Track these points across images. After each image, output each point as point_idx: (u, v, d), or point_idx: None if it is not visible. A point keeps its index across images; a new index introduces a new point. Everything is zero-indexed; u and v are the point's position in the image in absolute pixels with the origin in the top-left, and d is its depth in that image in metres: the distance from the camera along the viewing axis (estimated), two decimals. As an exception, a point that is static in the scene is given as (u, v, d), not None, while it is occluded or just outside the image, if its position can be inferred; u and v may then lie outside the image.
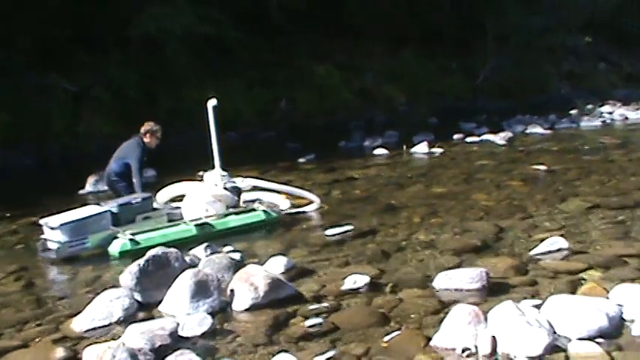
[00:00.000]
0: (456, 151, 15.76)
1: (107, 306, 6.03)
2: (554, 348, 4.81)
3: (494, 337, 4.91)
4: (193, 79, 20.48)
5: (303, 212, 10.02)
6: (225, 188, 9.49)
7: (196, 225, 8.77)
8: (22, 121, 16.91)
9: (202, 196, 9.26)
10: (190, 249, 7.81)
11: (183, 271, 6.34)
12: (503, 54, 28.57)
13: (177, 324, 5.48)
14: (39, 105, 17.53)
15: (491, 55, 28.47)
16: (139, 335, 5.20)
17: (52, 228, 8.18)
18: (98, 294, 6.26)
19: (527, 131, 18.80)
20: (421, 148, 15.86)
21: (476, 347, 4.92)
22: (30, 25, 18.24)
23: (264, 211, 9.38)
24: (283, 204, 10.01)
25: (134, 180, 9.49)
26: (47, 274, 7.68)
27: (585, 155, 14.35)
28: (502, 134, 17.59)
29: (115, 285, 6.50)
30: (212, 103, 9.49)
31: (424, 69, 26.99)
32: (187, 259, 7.11)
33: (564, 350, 4.83)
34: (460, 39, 28.13)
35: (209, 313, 5.79)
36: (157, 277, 6.41)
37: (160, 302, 6.24)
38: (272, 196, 10.12)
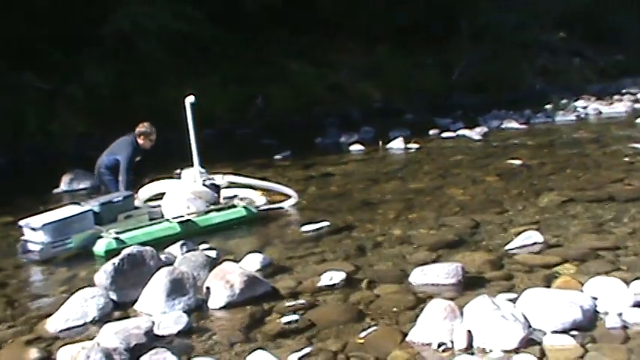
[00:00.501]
0: (432, 147, 15.79)
1: (82, 306, 5.98)
2: (529, 341, 4.84)
3: (469, 331, 4.93)
4: (169, 76, 20.34)
5: (282, 208, 10.01)
6: (204, 185, 9.46)
7: (179, 222, 8.73)
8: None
9: (182, 194, 9.22)
10: (166, 247, 7.78)
11: (158, 269, 6.30)
12: (478, 50, 28.66)
13: (153, 323, 5.46)
14: (12, 104, 17.35)
15: (466, 51, 28.55)
16: (113, 335, 5.17)
17: (33, 229, 8.05)
18: (72, 294, 6.20)
19: (503, 126, 18.87)
20: (397, 144, 15.88)
21: (452, 342, 4.95)
22: (2, 23, 18.05)
23: (245, 207, 9.38)
24: (258, 200, 9.99)
25: (120, 177, 9.48)
26: (20, 274, 7.60)
27: (560, 149, 14.44)
28: (478, 129, 17.64)
29: (90, 284, 6.44)
30: (190, 100, 9.43)
31: (399, 65, 26.98)
32: (163, 257, 7.08)
33: (539, 343, 4.86)
34: (435, 35, 28.15)
35: (185, 312, 5.76)
36: (132, 275, 6.37)
37: (135, 301, 6.20)
38: (248, 193, 10.09)
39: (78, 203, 8.72)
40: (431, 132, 17.77)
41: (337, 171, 13.23)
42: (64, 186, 12.69)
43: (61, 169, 13.09)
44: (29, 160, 16.11)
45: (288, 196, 10.19)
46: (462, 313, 5.15)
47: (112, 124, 17.66)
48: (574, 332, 4.96)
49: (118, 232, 8.21)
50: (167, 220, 8.82)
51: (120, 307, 6.19)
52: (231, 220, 9.19)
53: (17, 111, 17.23)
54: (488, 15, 28.73)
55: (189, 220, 8.83)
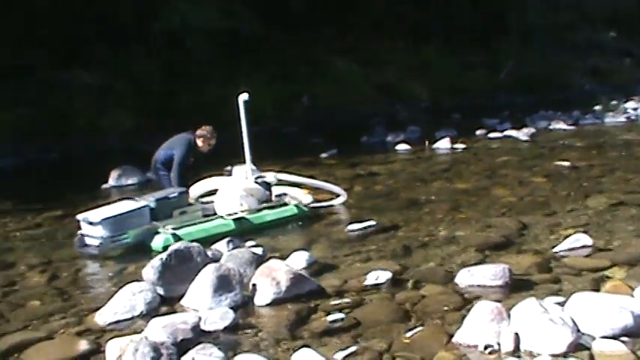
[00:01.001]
0: (479, 147, 15.68)
1: (130, 299, 6.06)
2: (577, 346, 4.77)
3: (517, 334, 4.89)
4: (216, 74, 20.51)
5: (331, 206, 10.02)
6: (256, 182, 9.52)
7: (234, 220, 8.78)
8: (46, 116, 17.01)
9: (235, 191, 9.28)
10: (212, 243, 7.84)
11: (205, 265, 6.36)
12: (526, 49, 28.41)
13: (200, 318, 5.50)
14: (62, 100, 17.63)
15: (515, 51, 28.31)
16: (161, 329, 5.22)
17: (91, 223, 8.11)
18: (121, 287, 6.29)
19: (551, 127, 18.66)
20: (443, 144, 15.80)
21: (498, 344, 4.90)
22: (53, 21, 18.34)
23: (297, 205, 9.43)
24: (305, 198, 10.01)
25: (172, 173, 9.59)
26: (71, 268, 7.71)
27: (610, 151, 14.24)
28: (525, 130, 17.47)
29: (138, 279, 6.53)
30: (243, 97, 9.46)
31: (446, 64, 26.88)
32: (209, 253, 7.13)
33: (588, 348, 4.79)
34: (483, 34, 27.99)
35: (231, 308, 5.80)
36: (179, 271, 6.43)
37: (182, 296, 6.26)
38: (294, 191, 10.12)
39: (132, 198, 8.80)
40: (478, 132, 17.65)
41: (383, 170, 13.21)
42: (112, 181, 12.85)
43: (110, 164, 13.26)
44: (78, 155, 16.33)
45: (337, 195, 10.20)
46: (509, 316, 5.11)
47: (160, 121, 17.96)
48: (624, 338, 4.87)
49: (175, 229, 8.27)
50: (221, 217, 8.87)
51: (167, 302, 6.25)
52: (283, 218, 9.22)
53: (67, 107, 17.52)
54: (538, 14, 28.41)
55: (243, 217, 8.87)
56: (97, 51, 19.04)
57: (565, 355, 4.69)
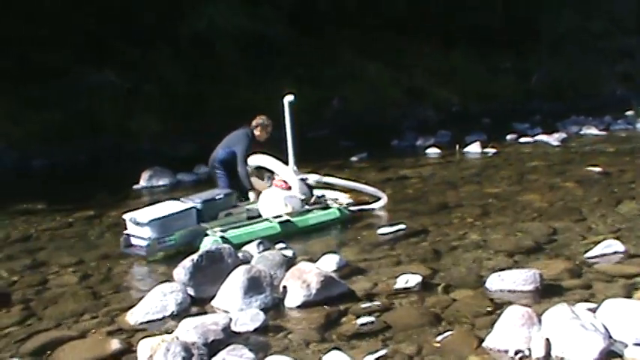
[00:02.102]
0: (509, 152, 15.61)
1: (161, 300, 6.10)
2: (609, 353, 4.72)
3: (548, 339, 4.86)
4: (243, 77, 20.60)
5: (372, 209, 9.99)
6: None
7: (280, 222, 8.76)
8: (75, 117, 17.18)
9: (281, 193, 9.32)
10: (242, 245, 7.87)
11: (236, 267, 6.39)
12: (557, 55, 28.24)
13: (230, 319, 5.53)
14: (91, 101, 17.80)
15: (545, 56, 28.16)
16: (192, 329, 5.26)
17: (139, 224, 8.09)
18: (152, 288, 6.34)
19: (582, 132, 18.54)
20: (474, 148, 15.75)
21: (529, 350, 4.88)
22: (82, 22, 18.52)
23: (339, 208, 9.44)
24: (343, 200, 9.99)
25: (239, 169, 9.63)
26: (102, 267, 7.77)
27: (641, 157, 14.11)
28: (556, 135, 17.38)
29: (169, 279, 6.58)
30: (288, 99, 9.51)
31: (477, 69, 26.80)
32: (240, 255, 7.16)
33: (620, 356, 4.75)
34: (513, 39, 27.86)
35: (261, 309, 5.82)
36: (210, 272, 6.46)
37: (212, 297, 6.30)
38: (333, 193, 10.10)
39: (179, 199, 8.80)
40: (508, 137, 17.58)
41: (413, 174, 13.19)
42: (143, 182, 12.95)
43: (138, 165, 13.36)
44: (107, 157, 16.48)
45: (377, 198, 10.18)
46: (540, 321, 5.08)
47: (187, 123, 18.09)
48: (657, 345, 4.84)
49: (222, 230, 8.27)
50: (267, 219, 8.86)
51: (197, 303, 6.28)
52: (326, 221, 9.22)
53: (96, 109, 17.68)
54: (568, 20, 28.24)
55: (288, 220, 8.86)
56: (126, 53, 19.19)
57: (597, 361, 4.65)
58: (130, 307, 6.16)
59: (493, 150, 15.56)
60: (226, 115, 18.17)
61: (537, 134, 17.72)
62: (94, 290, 6.97)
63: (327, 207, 9.43)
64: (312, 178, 9.82)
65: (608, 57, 30.57)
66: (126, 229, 8.30)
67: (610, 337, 4.89)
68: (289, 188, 9.50)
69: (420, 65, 25.59)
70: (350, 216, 9.51)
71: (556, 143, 16.58)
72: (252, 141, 9.81)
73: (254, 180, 9.90)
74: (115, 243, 8.48)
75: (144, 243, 8.00)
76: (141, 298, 6.19)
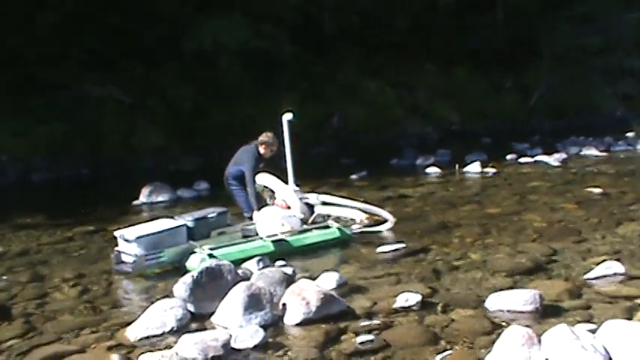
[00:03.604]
0: (509, 172, 15.63)
1: (161, 315, 6.12)
2: (609, 374, 4.74)
3: (548, 360, 4.87)
4: (247, 93, 20.66)
5: (379, 231, 9.86)
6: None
7: (273, 242, 8.72)
8: (78, 131, 17.25)
9: (278, 212, 9.30)
10: (242, 262, 7.88)
11: (235, 283, 6.40)
12: (557, 74, 28.30)
13: (230, 336, 5.54)
14: (94, 116, 17.86)
15: (546, 75, 28.21)
16: (192, 345, 5.27)
17: (127, 241, 8.13)
18: (152, 303, 6.35)
19: (582, 153, 18.54)
20: (474, 168, 15.76)
21: (529, 370, 4.89)
22: (87, 37, 18.61)
23: (339, 228, 9.36)
24: (359, 220, 9.93)
25: (248, 189, 9.63)
26: (102, 282, 7.80)
27: (641, 179, 14.12)
28: (556, 155, 17.39)
29: (169, 295, 6.60)
30: (287, 117, 9.56)
31: (477, 88, 26.83)
32: (240, 272, 7.17)
33: (620, 377, 4.76)
34: (514, 58, 27.93)
35: (261, 326, 5.82)
36: (210, 288, 6.48)
37: (212, 314, 6.31)
38: (348, 212, 10.01)
39: (172, 217, 8.83)
40: (508, 157, 17.59)
41: (413, 193, 13.20)
42: (143, 198, 12.96)
43: (141, 181, 13.38)
44: (110, 172, 16.53)
45: (384, 219, 10.10)
46: (539, 342, 5.08)
47: (190, 139, 18.14)
48: (657, 367, 4.84)
49: (211, 249, 8.22)
50: (261, 238, 8.83)
51: (197, 319, 6.30)
52: (324, 241, 9.16)
53: (99, 123, 17.74)
54: (569, 39, 28.31)
55: (282, 239, 8.82)
56: (129, 69, 19.27)
57: (597, 383, 4.66)
58: (130, 323, 6.17)
59: (493, 170, 15.57)
60: (229, 131, 18.31)
61: (537, 154, 17.74)
62: (94, 305, 6.99)
63: (327, 227, 9.39)
64: (312, 198, 9.80)
65: (609, 76, 30.60)
66: (117, 245, 8.33)
67: (610, 358, 4.89)
68: (289, 207, 9.51)
69: (421, 84, 25.66)
70: (350, 237, 9.46)
71: (556, 164, 16.60)
72: (259, 157, 9.84)
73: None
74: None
75: (131, 259, 8.05)
76: (141, 314, 6.19)
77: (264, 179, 9.79)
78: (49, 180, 15.83)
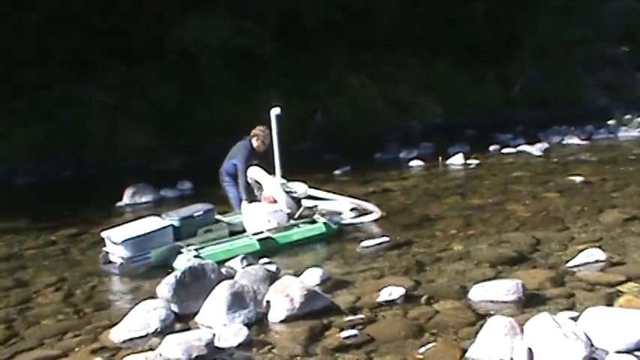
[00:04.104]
0: (492, 163, 15.66)
1: (144, 317, 6.10)
2: (591, 361, 4.76)
3: (530, 349, 4.88)
4: (230, 91, 20.60)
5: (362, 223, 9.96)
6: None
7: (259, 240, 8.75)
8: (60, 133, 17.14)
9: (264, 208, 9.32)
10: (226, 261, 7.88)
11: (219, 282, 6.39)
12: (539, 65, 28.37)
13: (214, 335, 5.54)
14: (77, 117, 17.75)
15: (528, 67, 28.28)
16: (176, 346, 5.26)
17: (114, 243, 8.17)
18: (135, 305, 6.33)
19: (564, 142, 18.60)
20: (457, 160, 15.78)
21: (512, 359, 4.90)
22: (68, 38, 18.50)
23: (325, 223, 9.40)
24: (346, 212, 10.06)
25: (239, 180, 9.69)
26: (85, 285, 7.76)
27: (623, 166, 14.16)
28: (538, 145, 17.44)
29: (152, 296, 6.58)
30: (275, 111, 9.57)
31: (459, 80, 26.84)
32: (223, 270, 7.18)
33: (602, 363, 4.78)
34: (496, 50, 27.97)
35: (245, 325, 5.82)
36: (193, 288, 6.47)
37: (196, 313, 6.30)
38: (335, 205, 10.13)
39: (159, 216, 8.82)
40: (491, 148, 17.62)
41: (397, 186, 13.20)
42: (126, 199, 12.88)
43: (125, 182, 13.31)
44: (93, 173, 16.45)
45: (370, 211, 10.16)
46: (522, 331, 5.10)
47: (174, 138, 18.07)
48: (638, 353, 4.86)
49: (197, 249, 8.25)
50: (247, 236, 8.85)
51: (181, 319, 6.29)
52: (311, 236, 9.18)
53: (82, 124, 17.64)
54: (551, 30, 28.40)
55: (269, 237, 8.84)
56: (112, 69, 19.17)
57: (579, 370, 4.67)
58: (114, 325, 6.16)
59: (476, 161, 15.60)
60: (212, 130, 18.27)
61: (520, 144, 17.78)
62: (78, 308, 6.97)
63: (314, 222, 9.40)
64: (300, 189, 9.81)
65: (592, 66, 30.69)
66: (104, 246, 8.36)
67: (592, 345, 4.92)
68: (276, 201, 9.52)
69: (405, 78, 25.66)
70: (336, 231, 9.48)
71: (538, 153, 16.65)
72: (252, 150, 9.89)
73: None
74: (98, 261, 8.48)
75: (118, 261, 8.08)
76: (124, 316, 6.17)
77: (253, 172, 9.81)
78: (31, 182, 15.73)
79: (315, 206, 9.78)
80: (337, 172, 15.30)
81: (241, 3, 21.73)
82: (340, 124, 22.08)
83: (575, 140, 18.62)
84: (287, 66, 22.67)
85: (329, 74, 23.79)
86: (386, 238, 8.86)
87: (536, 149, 17.01)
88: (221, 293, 6.15)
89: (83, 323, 6.47)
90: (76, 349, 5.82)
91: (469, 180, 13.73)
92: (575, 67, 29.47)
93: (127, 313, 6.19)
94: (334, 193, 10.49)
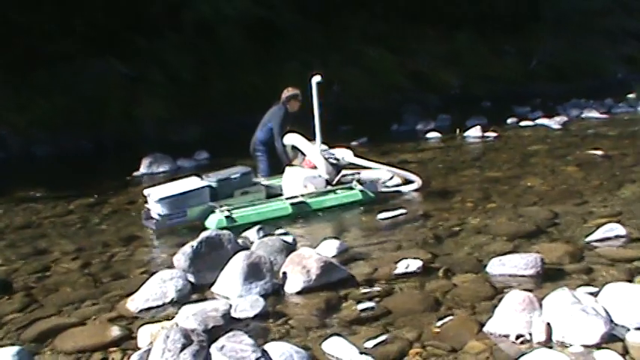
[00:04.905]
0: (510, 136, 15.57)
1: (161, 287, 6.10)
2: (611, 337, 4.70)
3: (548, 324, 4.84)
4: (247, 62, 20.54)
5: (400, 192, 10.03)
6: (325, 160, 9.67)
7: (292, 203, 8.94)
8: (80, 105, 17.17)
9: (302, 172, 9.45)
10: (243, 231, 7.88)
11: (235, 253, 6.37)
12: (559, 37, 28.12)
13: (230, 306, 5.53)
14: (96, 89, 17.77)
15: (547, 39, 28.03)
16: (192, 316, 5.26)
17: (153, 200, 8.54)
18: (152, 274, 6.34)
19: (583, 115, 18.48)
20: (474, 132, 15.70)
21: (530, 334, 4.86)
22: (87, 10, 18.47)
23: (362, 190, 9.47)
24: (387, 179, 10.15)
25: (276, 144, 9.92)
26: (103, 255, 7.78)
27: (643, 140, 14.06)
28: (557, 118, 17.33)
29: (169, 266, 6.58)
30: (316, 79, 9.69)
31: (478, 52, 26.70)
32: (240, 241, 7.15)
33: (621, 340, 4.72)
34: (515, 22, 27.75)
35: (261, 296, 5.81)
36: (209, 258, 6.46)
37: (212, 284, 6.29)
38: (374, 173, 10.16)
39: (200, 176, 9.11)
40: (509, 121, 17.52)
41: (414, 159, 13.16)
42: (143, 169, 12.94)
43: (142, 153, 13.35)
44: (111, 145, 16.47)
45: (411, 181, 10.18)
46: (541, 306, 5.06)
47: (193, 109, 18.06)
48: (658, 329, 4.82)
49: (229, 210, 8.51)
50: (281, 199, 9.04)
51: (197, 290, 6.27)
52: (346, 203, 9.31)
53: (101, 96, 17.66)
54: (571, 2, 28.11)
55: (302, 201, 9.01)
56: (130, 40, 19.14)
57: (598, 345, 4.62)
58: (130, 294, 6.16)
59: (494, 134, 15.51)
60: (231, 101, 18.25)
61: (538, 117, 17.68)
62: (95, 277, 6.98)
63: (351, 188, 9.48)
64: (345, 155, 9.89)
65: (611, 38, 30.37)
66: (147, 202, 8.74)
67: (611, 321, 4.87)
68: (315, 167, 9.57)
69: (423, 49, 25.51)
70: (373, 199, 9.49)
71: (557, 127, 16.54)
72: (287, 114, 10.05)
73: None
74: (115, 230, 8.70)
75: (155, 218, 8.47)
76: (141, 285, 6.18)
77: (291, 139, 9.86)
78: (50, 153, 15.76)
79: (357, 173, 9.84)
80: (354, 143, 15.22)
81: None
82: (357, 95, 21.99)
83: (595, 114, 18.48)
84: (305, 37, 22.56)
85: (347, 46, 23.68)
86: (403, 210, 8.84)
87: (554, 122, 16.90)
88: (237, 264, 6.14)
89: (100, 292, 6.47)
90: (93, 317, 5.82)
91: (487, 153, 13.65)
92: (594, 39, 29.21)
93: (143, 283, 6.20)
94: (377, 162, 10.47)
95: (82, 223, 9.41)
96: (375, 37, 24.55)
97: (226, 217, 8.43)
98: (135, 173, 12.78)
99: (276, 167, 10.05)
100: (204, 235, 6.68)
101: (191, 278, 6.34)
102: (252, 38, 20.94)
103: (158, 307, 5.92)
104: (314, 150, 9.69)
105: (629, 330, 4.83)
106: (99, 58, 18.30)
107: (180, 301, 5.95)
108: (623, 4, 30.60)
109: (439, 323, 5.27)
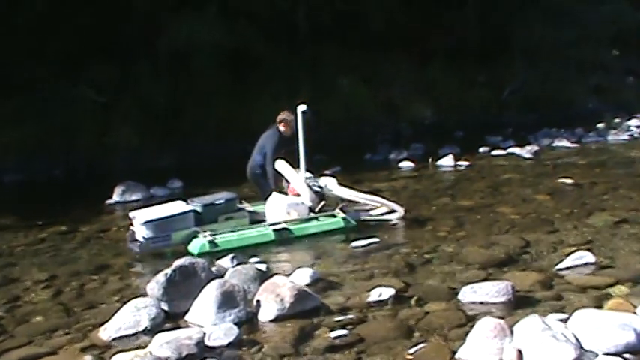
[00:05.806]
0: (482, 165, 15.69)
1: (134, 315, 6.09)
2: (580, 362, 4.77)
3: (519, 350, 4.90)
4: (221, 91, 20.56)
5: (386, 220, 10.03)
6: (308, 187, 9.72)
7: (275, 230, 9.04)
8: (51, 131, 17.08)
9: (285, 199, 9.51)
10: (217, 259, 7.89)
11: (209, 281, 6.40)
12: (530, 68, 28.44)
13: (204, 334, 5.53)
14: (68, 116, 17.68)
15: (518, 69, 28.34)
16: (165, 344, 5.26)
17: (138, 223, 8.62)
18: (125, 303, 6.31)
19: (554, 145, 18.64)
20: (447, 161, 15.80)
21: (501, 360, 4.92)
22: (59, 36, 18.43)
23: (344, 218, 9.54)
24: (368, 210, 10.18)
25: (267, 168, 9.94)
26: (75, 283, 7.74)
27: (613, 169, 14.23)
28: (528, 148, 17.48)
29: (142, 294, 6.56)
30: (301, 108, 9.81)
31: (451, 83, 26.86)
32: (213, 269, 7.18)
33: (591, 365, 4.80)
34: (486, 52, 28.01)
35: (235, 324, 5.82)
36: (183, 286, 6.47)
37: (186, 312, 6.29)
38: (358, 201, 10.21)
39: (185, 201, 9.20)
40: (481, 150, 17.65)
41: (387, 187, 13.20)
42: (116, 197, 12.87)
43: (114, 181, 13.29)
44: (83, 172, 16.40)
45: (393, 210, 10.20)
46: (511, 332, 5.12)
47: (166, 137, 18.03)
48: (627, 355, 4.88)
49: (212, 235, 8.62)
50: (264, 226, 9.13)
51: (171, 318, 6.28)
52: (328, 230, 9.37)
53: (73, 123, 17.58)
54: (541, 33, 28.46)
55: (284, 228, 9.10)
56: (103, 68, 19.10)
57: (568, 371, 4.69)
58: (103, 323, 6.14)
59: (466, 163, 15.62)
60: (205, 129, 18.24)
61: (510, 147, 17.80)
62: (67, 306, 6.95)
63: (333, 216, 9.55)
64: (329, 184, 10.01)
65: (581, 69, 30.75)
66: (132, 225, 8.81)
67: (581, 347, 4.94)
68: (299, 195, 9.66)
69: (396, 79, 25.66)
70: (355, 227, 9.54)
71: (528, 156, 16.69)
72: (281, 138, 10.11)
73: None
74: (88, 258, 8.68)
75: (140, 240, 8.57)
76: (114, 314, 6.16)
77: (278, 166, 9.90)
78: (21, 181, 15.68)
79: (344, 202, 9.93)
80: (327, 172, 15.23)
81: (233, 3, 21.71)
82: (330, 125, 22.05)
83: (565, 143, 18.66)
84: (278, 67, 22.64)
85: (320, 76, 23.78)
86: (376, 239, 8.87)
87: (526, 152, 17.04)
88: (211, 292, 6.15)
89: (73, 321, 6.45)
90: (66, 346, 5.80)
91: (459, 182, 13.74)
92: (565, 70, 29.54)
93: (116, 311, 6.17)
94: (360, 191, 10.52)
95: (54, 252, 9.35)
96: (347, 66, 24.66)
97: (209, 241, 8.54)
98: (108, 201, 12.71)
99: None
100: (177, 263, 6.69)
101: (165, 306, 6.34)
102: (226, 67, 20.97)
103: (131, 335, 5.90)
104: (298, 178, 9.76)
105: (597, 355, 4.90)
106: (71, 84, 18.24)
107: (153, 329, 5.95)
108: (592, 35, 30.99)
109: (412, 350, 5.31)
